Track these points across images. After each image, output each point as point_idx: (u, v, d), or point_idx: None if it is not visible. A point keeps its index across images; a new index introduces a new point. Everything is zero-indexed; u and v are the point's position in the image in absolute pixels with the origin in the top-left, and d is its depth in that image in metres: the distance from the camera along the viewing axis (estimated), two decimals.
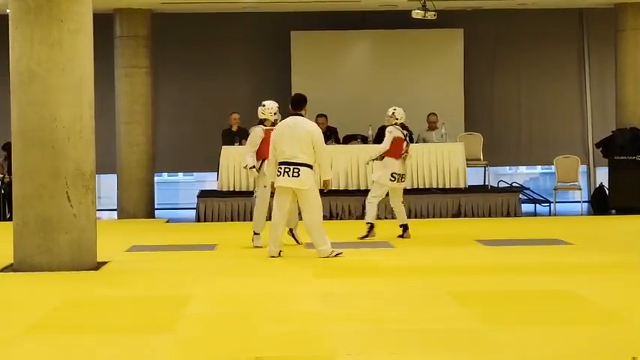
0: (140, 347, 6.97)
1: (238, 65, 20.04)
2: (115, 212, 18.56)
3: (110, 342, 7.11)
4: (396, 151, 13.45)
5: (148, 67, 18.32)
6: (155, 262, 11.62)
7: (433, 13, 15.88)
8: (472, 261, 11.39)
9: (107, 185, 20.02)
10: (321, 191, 11.69)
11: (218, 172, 17.27)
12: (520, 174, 24.18)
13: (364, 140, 17.44)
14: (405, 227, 13.68)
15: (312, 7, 18.78)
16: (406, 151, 13.55)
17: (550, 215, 17.96)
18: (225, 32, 19.94)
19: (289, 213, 12.11)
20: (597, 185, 19.20)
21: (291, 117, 11.69)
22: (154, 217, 18.35)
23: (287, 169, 11.38)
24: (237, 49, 20.01)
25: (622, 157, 17.93)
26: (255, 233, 12.89)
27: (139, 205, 18.16)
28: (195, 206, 17.44)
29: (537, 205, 18.68)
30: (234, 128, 17.77)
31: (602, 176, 19.04)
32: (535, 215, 17.99)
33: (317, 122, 17.61)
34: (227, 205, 17.07)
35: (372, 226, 13.55)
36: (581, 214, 18.07)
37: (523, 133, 20.40)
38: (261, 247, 12.68)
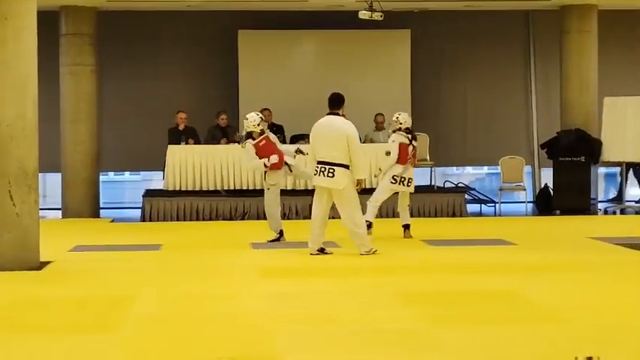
0: (84, 347, 6.92)
1: (185, 63, 19.95)
2: (60, 211, 18.39)
3: (54, 342, 7.06)
4: (402, 157, 13.51)
5: (93, 65, 18.15)
6: (99, 262, 11.54)
7: (380, 13, 15.91)
8: (418, 261, 11.44)
9: (52, 184, 19.82)
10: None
11: (164, 171, 17.16)
12: (467, 174, 24.28)
13: None
14: (406, 227, 13.78)
15: (260, 6, 18.75)
16: (413, 156, 13.60)
17: (495, 215, 18.07)
18: (172, 30, 19.83)
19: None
20: (542, 186, 19.34)
21: (326, 116, 11.79)
22: (98, 216, 18.20)
23: (322, 169, 11.52)
24: (184, 47, 19.91)
25: (566, 159, 18.08)
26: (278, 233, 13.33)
27: (84, 204, 17.99)
28: (140, 206, 17.34)
29: (483, 205, 18.78)
30: (181, 127, 17.69)
31: (547, 177, 19.17)
32: (480, 215, 18.09)
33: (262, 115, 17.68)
34: (172, 205, 16.97)
35: (369, 225, 13.47)
36: (526, 215, 18.20)
37: (469, 134, 20.50)
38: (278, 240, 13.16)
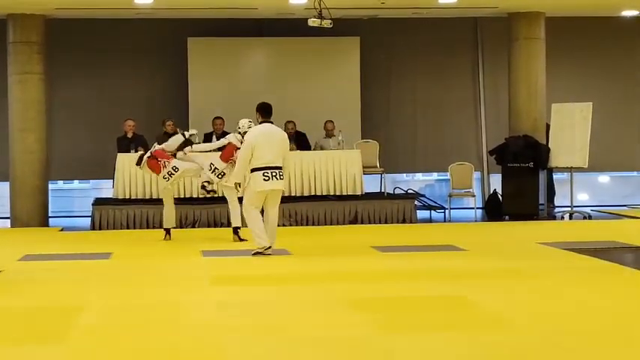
0: (32, 358, 6.87)
1: (135, 71, 19.87)
2: (9, 220, 18.24)
3: (1, 352, 6.99)
4: (225, 155, 14.12)
5: (42, 73, 18.02)
6: (48, 272, 11.45)
7: (329, 21, 15.94)
8: (368, 268, 11.46)
9: (0, 193, 19.66)
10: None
11: (114, 180, 17.08)
12: (416, 181, 24.38)
13: None
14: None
15: (209, 13, 18.71)
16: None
17: (445, 221, 18.15)
18: (121, 38, 19.75)
19: None
20: (491, 192, 19.48)
21: (264, 124, 12.51)
22: (48, 225, 18.07)
23: (274, 173, 12.25)
24: (133, 55, 19.83)
25: (515, 165, 18.22)
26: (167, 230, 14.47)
27: (33, 213, 17.86)
28: (90, 214, 17.24)
29: (432, 211, 18.86)
30: (129, 135, 17.62)
31: (496, 183, 19.32)
32: (430, 221, 18.15)
33: (215, 124, 17.71)
34: (122, 213, 16.90)
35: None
36: (475, 221, 18.30)
37: (419, 141, 20.60)
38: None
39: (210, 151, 14.79)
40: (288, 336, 7.45)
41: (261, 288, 9.97)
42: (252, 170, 12.26)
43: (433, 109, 20.60)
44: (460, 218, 18.63)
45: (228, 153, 14.00)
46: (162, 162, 14.36)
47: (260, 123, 12.57)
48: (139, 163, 14.72)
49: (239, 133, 13.93)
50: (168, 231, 14.71)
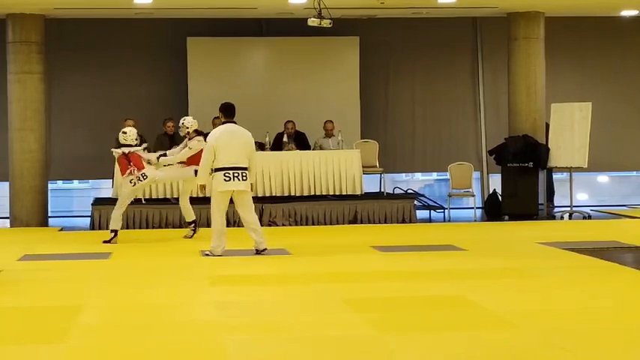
0: (32, 358, 6.87)
1: (135, 71, 19.85)
2: (8, 220, 18.23)
3: (1, 352, 6.99)
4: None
5: (41, 72, 18.02)
6: (47, 272, 11.45)
7: (329, 21, 15.94)
8: (368, 267, 11.47)
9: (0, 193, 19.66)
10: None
11: (113, 179, 17.08)
12: (416, 181, 24.40)
13: (262, 147, 17.40)
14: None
15: (209, 13, 18.71)
16: None
17: (444, 221, 18.15)
18: (121, 38, 19.74)
19: None
20: (490, 192, 19.47)
21: (228, 124, 12.43)
22: (47, 225, 18.06)
23: (236, 174, 12.19)
24: (133, 55, 19.82)
25: (514, 164, 18.22)
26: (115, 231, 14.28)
27: (32, 213, 17.86)
28: (89, 214, 17.23)
29: (432, 211, 18.85)
30: None
31: (495, 183, 19.31)
32: (430, 221, 18.15)
33: (214, 124, 17.70)
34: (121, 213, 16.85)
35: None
36: (475, 221, 18.30)
37: (418, 140, 20.59)
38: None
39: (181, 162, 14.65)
40: (288, 336, 7.45)
41: (261, 288, 9.97)
42: (215, 171, 12.25)
43: (433, 109, 20.59)
44: (459, 218, 18.63)
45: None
46: (131, 168, 14.18)
47: (223, 123, 12.52)
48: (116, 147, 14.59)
49: (188, 132, 14.09)
50: (116, 233, 14.44)
